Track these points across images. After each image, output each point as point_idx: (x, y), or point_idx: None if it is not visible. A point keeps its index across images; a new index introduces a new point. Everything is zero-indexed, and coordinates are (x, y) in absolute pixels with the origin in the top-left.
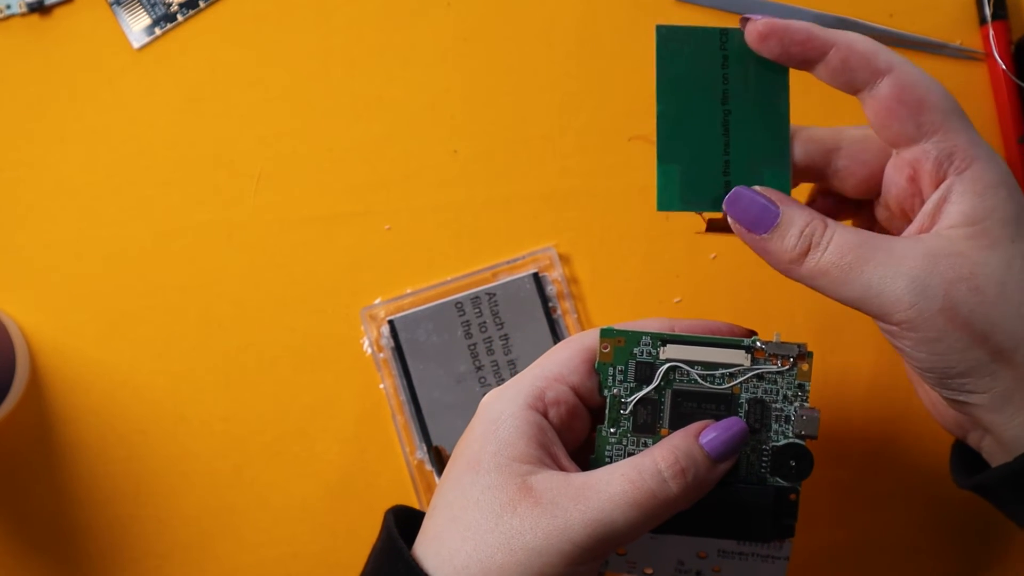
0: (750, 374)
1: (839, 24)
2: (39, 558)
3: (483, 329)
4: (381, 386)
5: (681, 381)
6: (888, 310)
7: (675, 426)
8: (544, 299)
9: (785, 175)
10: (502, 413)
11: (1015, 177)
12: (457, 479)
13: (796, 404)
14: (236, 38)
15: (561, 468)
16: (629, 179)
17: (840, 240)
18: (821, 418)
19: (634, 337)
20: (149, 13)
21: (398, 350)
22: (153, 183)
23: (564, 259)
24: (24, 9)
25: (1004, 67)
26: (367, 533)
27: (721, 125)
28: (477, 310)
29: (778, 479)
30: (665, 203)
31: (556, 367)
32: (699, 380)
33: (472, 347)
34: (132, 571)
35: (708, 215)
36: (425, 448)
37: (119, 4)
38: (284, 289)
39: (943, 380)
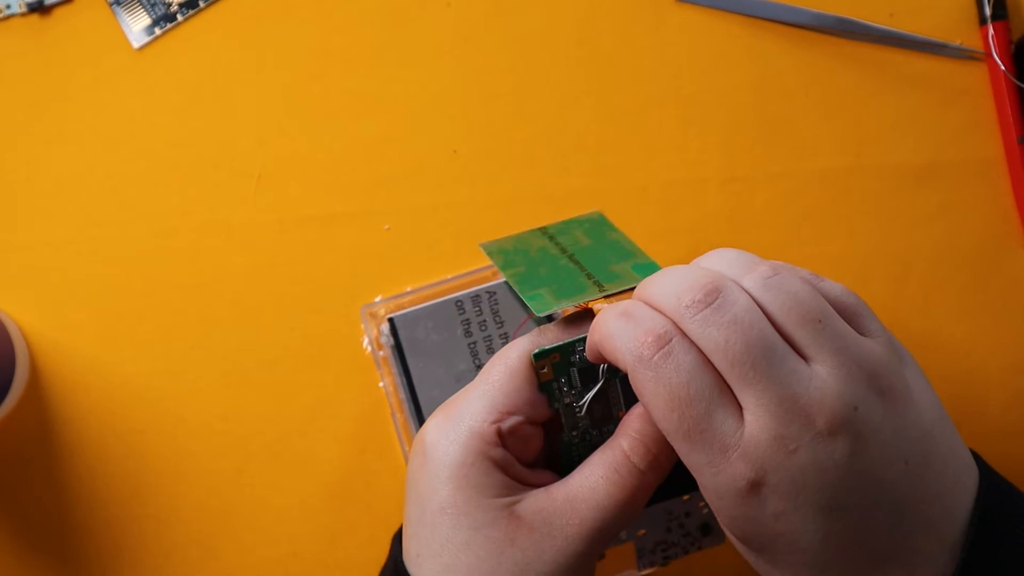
0: None
1: (839, 24)
2: (39, 558)
3: (483, 327)
4: (381, 384)
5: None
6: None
7: (630, 405)
8: None
9: (651, 261)
10: (465, 459)
11: (1015, 177)
12: (434, 526)
13: None
14: (236, 38)
15: (535, 484)
16: (629, 179)
17: None
18: None
19: (567, 348)
20: (149, 13)
21: (398, 348)
22: (153, 183)
23: None
24: (24, 9)
25: (1004, 67)
26: (367, 533)
27: (571, 262)
28: (477, 308)
29: None
30: (542, 308)
31: (504, 399)
32: None
33: (472, 345)
34: (132, 571)
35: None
36: None
37: (119, 4)
38: (284, 289)
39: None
